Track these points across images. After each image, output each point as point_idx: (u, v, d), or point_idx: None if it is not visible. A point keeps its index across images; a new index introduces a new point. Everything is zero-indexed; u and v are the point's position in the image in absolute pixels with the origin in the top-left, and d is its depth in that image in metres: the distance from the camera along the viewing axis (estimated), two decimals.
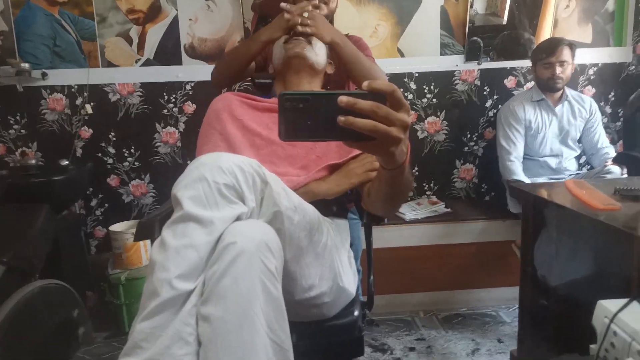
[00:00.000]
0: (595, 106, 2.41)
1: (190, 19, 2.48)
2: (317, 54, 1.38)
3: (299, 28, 1.37)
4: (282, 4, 1.44)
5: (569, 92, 2.39)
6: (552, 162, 2.38)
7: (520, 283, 1.14)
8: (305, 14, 1.39)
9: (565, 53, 2.26)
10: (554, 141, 2.38)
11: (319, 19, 1.41)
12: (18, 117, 2.48)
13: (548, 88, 2.32)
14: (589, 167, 2.54)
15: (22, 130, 2.49)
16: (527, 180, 2.28)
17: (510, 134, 2.36)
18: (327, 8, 1.68)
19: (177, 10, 2.47)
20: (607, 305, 0.75)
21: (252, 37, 1.54)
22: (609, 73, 2.66)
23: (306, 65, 1.36)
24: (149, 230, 1.11)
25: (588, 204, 0.93)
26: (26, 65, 2.37)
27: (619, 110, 2.70)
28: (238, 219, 0.84)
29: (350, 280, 1.14)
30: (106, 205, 2.58)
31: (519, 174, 2.30)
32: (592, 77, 2.66)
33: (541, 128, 2.36)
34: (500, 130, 2.40)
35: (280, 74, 1.42)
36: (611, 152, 2.36)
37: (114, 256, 2.25)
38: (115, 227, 2.31)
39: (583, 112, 2.39)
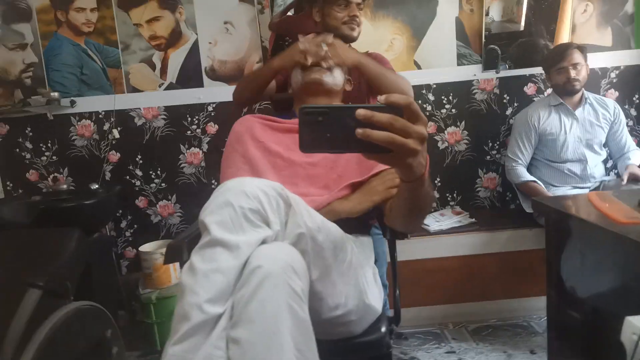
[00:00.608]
0: (618, 109, 2.37)
1: (209, 42, 2.55)
2: (335, 77, 1.41)
3: (323, 64, 1.40)
4: (299, 42, 1.44)
5: (589, 95, 2.37)
6: (577, 168, 2.34)
7: (547, 295, 1.13)
8: (324, 46, 1.41)
9: (576, 56, 2.24)
10: (578, 146, 2.34)
11: (338, 45, 1.43)
12: (49, 144, 2.57)
13: (566, 92, 2.31)
14: (615, 171, 2.49)
15: (53, 157, 2.58)
16: (529, 178, 2.32)
17: (518, 141, 2.38)
18: (358, 29, 1.65)
19: (196, 34, 2.54)
20: (635, 322, 0.74)
21: (265, 64, 1.58)
22: (631, 75, 2.62)
23: (324, 89, 1.39)
24: (177, 253, 1.13)
25: (611, 217, 0.92)
26: (55, 94, 2.47)
27: None
28: (263, 242, 0.86)
29: (376, 297, 1.15)
30: (135, 226, 2.64)
31: (525, 176, 2.34)
32: (614, 81, 2.62)
33: (560, 132, 2.33)
34: (510, 137, 2.45)
35: (298, 97, 1.45)
36: (634, 156, 2.32)
37: (144, 276, 2.30)
38: (145, 247, 2.36)
39: (607, 115, 2.35)
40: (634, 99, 2.65)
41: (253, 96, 1.61)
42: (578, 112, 2.34)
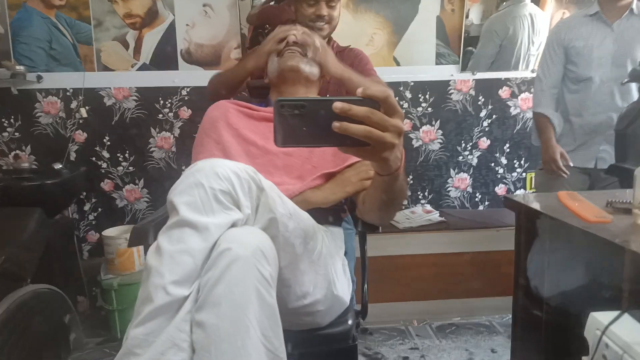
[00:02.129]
0: None
1: (187, 25, 2.49)
2: (312, 65, 1.38)
3: (291, 38, 1.37)
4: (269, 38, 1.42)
5: None
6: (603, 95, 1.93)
7: (513, 293, 1.15)
8: (299, 31, 1.39)
9: None
10: (612, 69, 1.92)
11: (328, 51, 1.41)
12: (12, 120, 2.47)
13: None
14: None
15: (16, 133, 2.48)
16: (553, 115, 2.01)
17: (547, 58, 2.05)
18: (329, 27, 1.66)
19: (174, 15, 2.47)
20: (599, 318, 0.75)
21: (240, 61, 1.54)
22: None
23: (301, 77, 1.36)
24: (143, 236, 1.10)
25: (580, 216, 0.94)
26: (21, 68, 2.37)
27: None
28: (233, 225, 0.84)
29: (344, 289, 1.14)
30: (99, 209, 2.57)
31: (544, 106, 2.03)
32: None
33: (585, 45, 1.95)
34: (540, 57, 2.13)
35: (275, 85, 1.42)
36: None
37: (107, 261, 2.23)
38: (109, 232, 2.30)
39: None
40: None
41: (227, 95, 1.58)
42: (616, 24, 1.93)
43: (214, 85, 1.60)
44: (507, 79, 2.64)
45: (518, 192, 2.74)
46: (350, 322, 1.15)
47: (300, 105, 0.67)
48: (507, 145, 2.70)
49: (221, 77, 1.60)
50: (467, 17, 2.55)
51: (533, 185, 2.45)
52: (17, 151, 2.48)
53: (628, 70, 1.87)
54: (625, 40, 1.91)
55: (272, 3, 2.33)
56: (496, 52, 2.56)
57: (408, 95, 2.61)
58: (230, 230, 0.82)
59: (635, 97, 1.92)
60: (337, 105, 0.65)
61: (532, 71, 2.60)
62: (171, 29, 2.48)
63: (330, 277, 1.09)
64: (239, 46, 2.50)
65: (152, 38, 2.48)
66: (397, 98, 2.57)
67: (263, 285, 0.79)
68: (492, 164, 2.72)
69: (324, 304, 1.06)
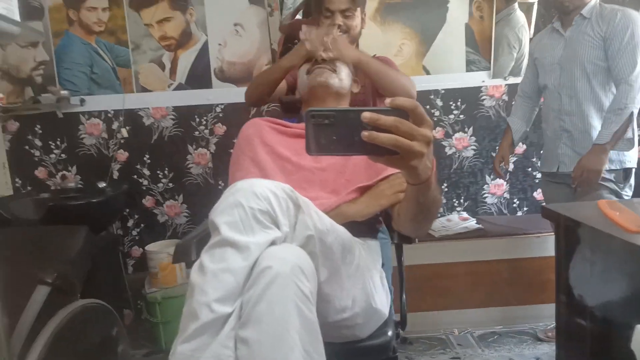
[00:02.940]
0: (624, 17, 1.84)
1: (219, 44, 2.56)
2: (342, 79, 1.40)
3: (322, 54, 1.40)
4: (301, 32, 1.47)
5: (593, 8, 1.92)
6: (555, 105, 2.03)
7: (556, 303, 1.13)
8: (326, 39, 1.42)
9: None
10: (560, 75, 1.98)
11: (340, 41, 1.44)
12: (58, 142, 2.59)
13: (558, 8, 2.02)
14: None
15: (62, 155, 2.60)
16: (512, 121, 2.19)
17: (525, 69, 2.28)
18: (348, 37, 1.65)
19: (206, 35, 2.55)
20: None
21: (275, 63, 1.58)
22: None
23: (331, 92, 1.38)
24: (185, 253, 1.14)
25: (621, 225, 0.92)
26: (65, 93, 2.49)
27: None
28: (273, 243, 0.87)
29: (382, 301, 1.15)
30: (142, 225, 2.66)
31: (511, 113, 2.25)
32: None
33: (545, 60, 2.05)
34: None
35: (306, 101, 1.45)
36: (607, 125, 1.83)
37: (150, 275, 2.30)
38: (151, 246, 2.37)
39: (602, 27, 1.88)
40: None
41: (264, 95, 1.62)
42: (569, 32, 1.98)
43: (252, 85, 1.64)
44: None
45: None
46: (389, 333, 1.15)
47: (330, 115, 0.69)
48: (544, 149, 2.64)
49: (259, 78, 1.65)
50: (497, 22, 2.52)
51: None
52: (64, 172, 2.60)
53: (575, 74, 1.94)
54: (573, 46, 1.95)
55: (298, 16, 2.37)
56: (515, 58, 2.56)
57: (439, 103, 2.60)
58: (270, 249, 0.85)
59: (584, 100, 1.95)
60: (366, 115, 0.67)
61: None
62: (204, 48, 2.56)
63: (369, 290, 1.10)
64: (270, 62, 2.55)
65: (186, 58, 2.57)
66: (427, 106, 2.57)
67: (303, 302, 0.81)
68: (529, 169, 2.67)
69: (363, 317, 1.08)
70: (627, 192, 1.95)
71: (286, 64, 1.52)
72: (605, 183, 1.91)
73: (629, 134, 1.87)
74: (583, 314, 1.05)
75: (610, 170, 1.90)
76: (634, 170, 1.95)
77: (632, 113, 1.82)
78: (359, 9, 1.65)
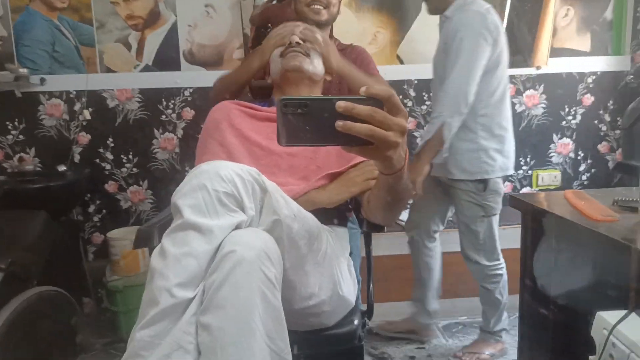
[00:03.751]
0: (458, 20, 1.77)
1: (189, 25, 2.48)
2: (315, 65, 1.37)
3: (295, 37, 1.37)
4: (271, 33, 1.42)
5: (457, 7, 1.81)
6: None
7: (520, 293, 1.14)
8: (300, 27, 1.39)
9: None
10: (433, 78, 1.95)
11: (331, 45, 1.41)
12: (16, 123, 2.47)
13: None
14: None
15: (20, 136, 2.48)
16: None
17: None
18: (327, 13, 1.67)
19: (176, 16, 2.47)
20: (606, 317, 0.75)
21: (244, 62, 1.54)
22: (607, 81, 2.67)
23: (304, 77, 1.36)
24: (147, 238, 1.10)
25: (587, 215, 0.93)
26: (24, 71, 2.37)
27: (618, 119, 2.71)
28: (237, 227, 0.84)
29: (350, 289, 1.14)
30: (104, 211, 2.57)
31: None
32: (590, 86, 2.67)
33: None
34: None
35: (278, 85, 1.42)
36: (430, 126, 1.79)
37: (112, 263, 2.24)
38: (113, 233, 2.30)
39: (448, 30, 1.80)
40: (609, 104, 2.70)
41: (232, 97, 1.57)
42: (441, 33, 1.93)
43: (218, 90, 1.59)
44: (512, 76, 2.62)
45: (524, 189, 2.72)
46: (356, 322, 1.15)
47: (304, 105, 0.67)
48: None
49: (225, 81, 1.59)
50: None
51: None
52: (22, 154, 2.48)
53: (438, 73, 1.89)
54: (439, 49, 1.92)
55: (274, 2, 2.32)
56: None
57: (412, 93, 2.60)
58: (234, 233, 0.82)
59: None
60: (341, 104, 0.65)
61: (537, 68, 2.59)
62: (173, 29, 2.48)
63: (336, 277, 1.08)
64: (242, 46, 2.50)
65: (154, 39, 2.48)
66: (401, 96, 2.56)
67: (268, 287, 0.79)
68: None
69: (329, 305, 1.06)
70: (491, 201, 1.87)
71: (256, 65, 1.47)
72: (463, 190, 1.87)
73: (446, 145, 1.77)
74: (546, 303, 1.06)
75: (463, 181, 1.86)
76: (497, 180, 1.87)
77: (445, 123, 1.72)
78: None
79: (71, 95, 2.47)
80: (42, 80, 2.43)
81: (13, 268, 1.65)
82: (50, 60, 2.46)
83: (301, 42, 1.38)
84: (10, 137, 2.48)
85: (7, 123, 2.47)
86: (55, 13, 2.43)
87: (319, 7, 1.64)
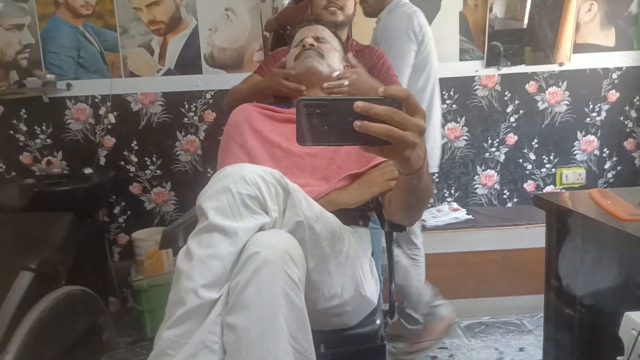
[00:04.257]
0: (383, 23, 1.88)
1: (210, 29, 2.52)
2: (330, 64, 1.37)
3: (308, 40, 1.36)
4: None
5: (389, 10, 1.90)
6: None
7: (545, 293, 1.12)
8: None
9: None
10: None
11: (355, 77, 1.36)
12: (44, 127, 2.54)
13: None
14: None
15: (48, 140, 2.55)
16: None
17: None
18: (343, 14, 1.68)
19: (197, 20, 2.51)
20: (635, 317, 0.74)
21: (254, 84, 1.55)
22: (633, 77, 2.61)
23: (320, 78, 1.35)
24: (173, 239, 1.12)
25: (613, 214, 0.91)
26: (52, 77, 2.43)
27: None
28: (261, 229, 0.85)
29: (372, 289, 1.14)
30: (129, 212, 2.62)
31: None
32: (616, 81, 2.62)
33: None
34: None
35: None
36: None
37: (137, 263, 2.28)
38: (138, 234, 2.34)
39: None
40: (635, 100, 2.64)
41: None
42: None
43: (230, 99, 1.61)
44: (534, 73, 2.58)
45: (547, 188, 2.68)
46: (378, 321, 1.15)
47: (322, 105, 0.68)
48: (536, 140, 2.64)
49: (238, 94, 1.59)
50: (490, 10, 2.51)
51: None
52: (49, 157, 2.55)
53: None
54: None
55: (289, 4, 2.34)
56: None
57: None
58: (258, 234, 0.83)
59: None
60: (359, 104, 0.66)
61: (560, 64, 2.55)
62: (194, 33, 2.51)
63: (358, 277, 1.09)
64: (261, 49, 2.52)
65: (176, 43, 2.52)
66: None
67: (291, 288, 0.79)
68: (520, 160, 2.67)
69: (352, 305, 1.06)
70: None
71: (267, 92, 1.48)
72: None
73: None
74: (572, 303, 1.04)
75: None
76: None
77: None
78: None
79: (96, 100, 2.53)
80: (69, 86, 2.49)
81: (42, 268, 1.69)
82: (76, 66, 2.52)
83: (315, 43, 1.38)
84: (38, 141, 2.55)
85: (35, 127, 2.54)
86: (80, 20, 2.49)
87: (334, 8, 1.65)
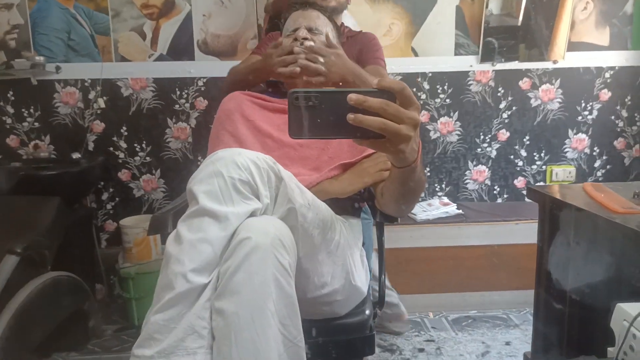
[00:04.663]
0: None
1: (204, 15, 2.48)
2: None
3: (302, 62, 1.29)
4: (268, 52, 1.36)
5: None
6: None
7: (535, 287, 1.13)
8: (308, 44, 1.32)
9: None
10: None
11: (335, 63, 1.30)
12: (32, 110, 2.49)
13: None
14: None
15: (36, 123, 2.50)
16: None
17: None
18: (335, 0, 1.65)
19: (190, 5, 2.47)
20: (627, 309, 0.74)
21: (252, 64, 1.49)
22: (626, 77, 2.62)
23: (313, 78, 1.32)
24: (162, 224, 1.11)
25: (607, 207, 0.92)
26: (41, 59, 2.39)
27: (636, 115, 2.66)
28: (252, 214, 0.84)
29: (362, 279, 1.14)
30: (117, 199, 2.59)
31: None
32: (608, 81, 2.63)
33: None
34: None
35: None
36: None
37: (124, 250, 2.25)
38: (126, 221, 2.32)
39: None
40: (626, 100, 2.66)
41: (243, 88, 1.55)
42: None
43: (227, 83, 1.58)
44: (528, 70, 2.59)
45: (538, 184, 2.69)
46: (367, 312, 1.15)
47: (315, 97, 0.67)
48: (527, 137, 2.65)
49: (234, 77, 1.57)
50: (487, 6, 2.50)
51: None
52: (37, 141, 2.51)
53: None
54: None
55: None
56: None
57: (426, 86, 2.58)
58: (249, 220, 0.82)
59: None
60: (352, 96, 0.65)
61: (554, 62, 2.55)
62: (188, 19, 2.48)
63: (348, 267, 1.08)
64: (256, 37, 2.49)
65: (169, 28, 2.48)
66: (414, 89, 2.54)
67: (282, 274, 0.79)
68: (512, 157, 2.68)
69: (342, 294, 1.06)
70: None
71: (260, 79, 1.45)
72: None
73: None
74: (562, 296, 1.05)
75: None
76: None
77: None
78: None
79: (86, 84, 2.48)
80: (58, 68, 2.45)
81: (28, 253, 1.67)
82: (66, 49, 2.47)
83: (308, 36, 1.35)
84: (25, 124, 2.50)
85: (23, 110, 2.49)
86: (71, 1, 2.44)
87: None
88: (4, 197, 2.04)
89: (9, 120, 2.49)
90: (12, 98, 2.48)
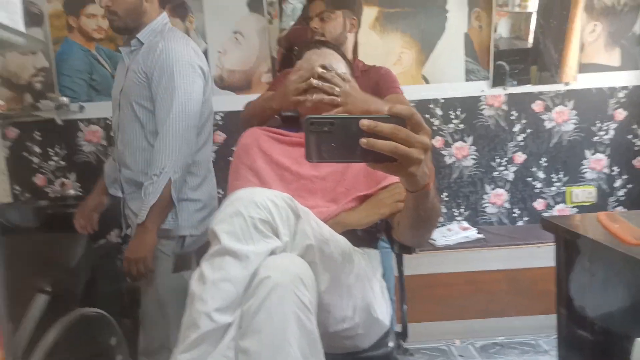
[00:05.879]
0: (165, 52, 1.53)
1: (219, 51, 2.56)
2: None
3: (317, 96, 1.32)
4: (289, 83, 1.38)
5: (154, 31, 1.62)
6: None
7: (557, 314, 1.12)
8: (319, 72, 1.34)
9: None
10: (117, 115, 1.73)
11: (350, 94, 1.33)
12: (57, 149, 2.58)
13: None
14: None
15: (61, 162, 2.59)
16: (110, 163, 1.94)
17: None
18: (329, 37, 1.66)
19: (206, 43, 2.55)
20: None
21: (266, 99, 1.53)
22: (639, 95, 2.62)
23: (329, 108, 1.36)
24: (186, 262, 1.14)
25: (620, 238, 0.92)
26: (65, 99, 2.48)
27: None
28: (272, 252, 0.86)
29: (383, 311, 1.14)
30: None
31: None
32: (622, 100, 2.62)
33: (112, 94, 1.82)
34: None
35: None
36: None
37: None
38: None
39: (147, 58, 1.57)
40: None
41: (260, 124, 1.59)
42: (129, 58, 1.66)
43: (245, 118, 1.63)
44: (540, 93, 2.60)
45: (558, 206, 2.67)
46: (391, 344, 1.15)
47: (329, 123, 0.71)
48: (544, 159, 2.65)
49: (250, 112, 1.61)
50: (495, 31, 2.54)
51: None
52: (63, 179, 2.59)
53: (127, 117, 1.65)
54: (129, 79, 1.66)
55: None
56: None
57: (439, 112, 2.61)
58: (270, 258, 0.84)
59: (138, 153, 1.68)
60: (364, 122, 0.68)
61: (566, 84, 2.56)
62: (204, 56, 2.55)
63: (369, 299, 1.09)
64: (269, 70, 2.56)
65: None
66: (427, 115, 2.57)
67: (303, 312, 0.81)
68: (529, 179, 2.67)
69: (363, 328, 1.07)
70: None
71: (277, 106, 1.47)
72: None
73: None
74: (584, 325, 1.04)
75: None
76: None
77: (170, 180, 1.47)
78: (338, 12, 1.67)
79: (108, 122, 2.57)
80: (81, 108, 2.54)
81: (58, 291, 1.71)
82: (88, 89, 2.57)
83: (320, 83, 1.37)
84: (52, 163, 2.59)
85: (49, 149, 2.58)
86: (93, 44, 2.55)
87: (316, 36, 1.66)
88: (32, 235, 2.10)
89: (36, 160, 2.58)
90: (39, 138, 2.57)
